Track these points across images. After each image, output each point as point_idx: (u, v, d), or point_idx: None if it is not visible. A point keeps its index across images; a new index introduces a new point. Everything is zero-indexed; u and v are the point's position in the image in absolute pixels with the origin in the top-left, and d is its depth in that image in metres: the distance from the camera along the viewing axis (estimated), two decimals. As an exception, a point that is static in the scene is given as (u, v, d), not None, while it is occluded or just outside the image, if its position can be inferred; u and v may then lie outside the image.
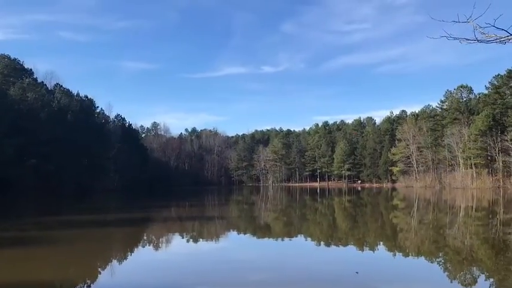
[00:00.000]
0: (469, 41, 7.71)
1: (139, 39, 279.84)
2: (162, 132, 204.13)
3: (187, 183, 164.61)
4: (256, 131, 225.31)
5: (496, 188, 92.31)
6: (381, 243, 22.77)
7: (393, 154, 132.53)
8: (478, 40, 7.62)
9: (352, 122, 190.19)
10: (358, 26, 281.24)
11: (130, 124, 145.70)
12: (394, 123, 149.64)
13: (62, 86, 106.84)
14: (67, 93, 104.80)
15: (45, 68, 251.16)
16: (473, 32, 7.60)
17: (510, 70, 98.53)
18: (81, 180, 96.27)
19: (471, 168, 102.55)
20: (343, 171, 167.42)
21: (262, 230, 29.38)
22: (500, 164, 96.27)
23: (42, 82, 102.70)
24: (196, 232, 28.10)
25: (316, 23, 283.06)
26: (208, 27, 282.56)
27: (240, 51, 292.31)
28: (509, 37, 7.41)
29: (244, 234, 27.65)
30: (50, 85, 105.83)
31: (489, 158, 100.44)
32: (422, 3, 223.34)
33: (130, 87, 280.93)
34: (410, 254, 19.07)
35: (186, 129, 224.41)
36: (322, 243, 22.98)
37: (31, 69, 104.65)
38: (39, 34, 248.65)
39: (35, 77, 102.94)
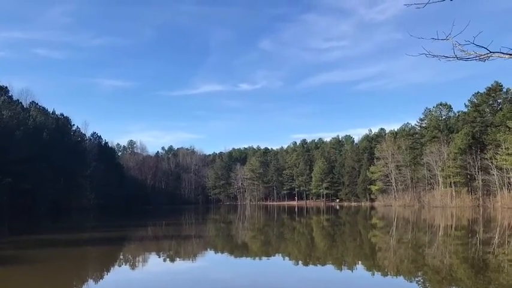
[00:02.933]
0: (449, 59, 7.67)
1: (116, 56, 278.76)
2: (139, 151, 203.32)
3: (164, 202, 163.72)
4: (233, 149, 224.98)
5: (476, 207, 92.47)
6: (360, 262, 22.76)
7: (372, 172, 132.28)
8: (457, 57, 7.58)
9: (331, 140, 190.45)
10: (337, 43, 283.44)
11: (107, 142, 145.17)
12: (372, 141, 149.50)
13: (37, 104, 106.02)
14: (43, 111, 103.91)
15: (20, 85, 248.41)
16: (452, 50, 7.62)
17: (489, 88, 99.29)
18: (57, 199, 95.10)
19: (450, 186, 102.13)
20: (322, 190, 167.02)
21: (239, 249, 29.22)
22: (480, 182, 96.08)
23: (18, 100, 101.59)
24: (173, 251, 27.85)
25: (294, 40, 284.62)
26: (185, 45, 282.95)
27: (217, 69, 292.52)
28: (488, 54, 7.42)
29: (222, 253, 27.48)
30: (25, 103, 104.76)
31: (468, 176, 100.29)
32: (401, 21, 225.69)
33: (107, 105, 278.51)
34: (389, 273, 19.06)
35: (163, 148, 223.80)
36: (300, 262, 22.90)
37: (6, 87, 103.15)
38: (14, 51, 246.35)
39: (10, 94, 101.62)
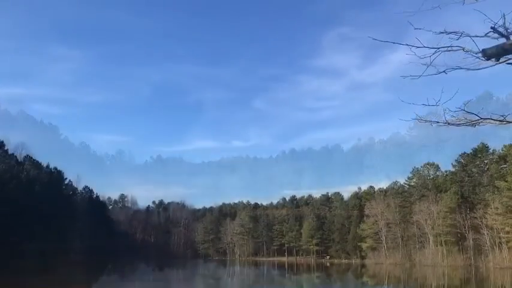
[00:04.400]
0: (439, 124, 8.15)
1: (112, 112, 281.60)
2: (130, 204, 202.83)
3: (152, 256, 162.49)
4: (223, 204, 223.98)
5: (468, 266, 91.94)
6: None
7: (362, 230, 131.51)
8: (448, 123, 8.03)
9: (320, 197, 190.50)
10: (328, 103, 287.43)
11: (98, 196, 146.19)
12: (362, 199, 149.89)
13: (32, 157, 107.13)
14: (37, 165, 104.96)
15: (17, 139, 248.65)
16: (443, 115, 7.93)
17: (476, 149, 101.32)
18: (46, 252, 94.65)
19: (441, 245, 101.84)
20: (312, 246, 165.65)
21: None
22: (471, 241, 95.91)
23: (13, 154, 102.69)
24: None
25: (287, 100, 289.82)
26: (180, 102, 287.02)
27: (211, 126, 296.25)
28: (479, 120, 7.81)
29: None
30: (20, 157, 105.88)
31: (459, 235, 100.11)
32: (390, 84, 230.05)
33: (101, 159, 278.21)
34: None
35: (154, 202, 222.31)
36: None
37: (2, 141, 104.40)
38: (13, 107, 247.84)
39: (6, 148, 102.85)
